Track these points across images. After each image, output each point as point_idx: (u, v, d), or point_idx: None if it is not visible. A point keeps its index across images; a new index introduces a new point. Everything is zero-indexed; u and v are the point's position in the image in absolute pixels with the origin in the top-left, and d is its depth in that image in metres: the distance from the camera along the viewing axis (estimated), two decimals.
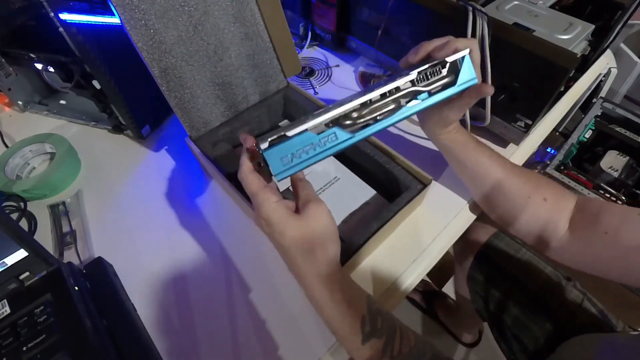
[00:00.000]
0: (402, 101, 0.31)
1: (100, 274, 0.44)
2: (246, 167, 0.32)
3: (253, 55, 0.53)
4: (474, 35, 0.47)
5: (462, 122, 0.56)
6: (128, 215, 0.53)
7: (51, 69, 0.59)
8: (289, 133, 0.28)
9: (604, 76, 0.86)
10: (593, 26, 0.51)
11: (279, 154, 0.29)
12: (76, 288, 0.40)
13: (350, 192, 0.49)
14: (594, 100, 0.86)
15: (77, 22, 0.46)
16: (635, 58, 1.14)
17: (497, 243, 0.65)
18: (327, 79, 0.74)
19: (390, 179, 0.48)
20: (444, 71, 0.32)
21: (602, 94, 0.91)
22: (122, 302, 0.41)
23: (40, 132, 0.60)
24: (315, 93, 0.72)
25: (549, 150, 0.87)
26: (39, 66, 0.59)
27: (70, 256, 0.48)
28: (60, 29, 0.46)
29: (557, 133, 1.05)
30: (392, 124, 0.31)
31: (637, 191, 0.74)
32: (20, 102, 0.67)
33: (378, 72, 0.73)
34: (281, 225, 0.30)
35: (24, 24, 0.57)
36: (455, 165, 0.48)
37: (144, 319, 0.42)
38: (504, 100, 0.53)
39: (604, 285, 0.67)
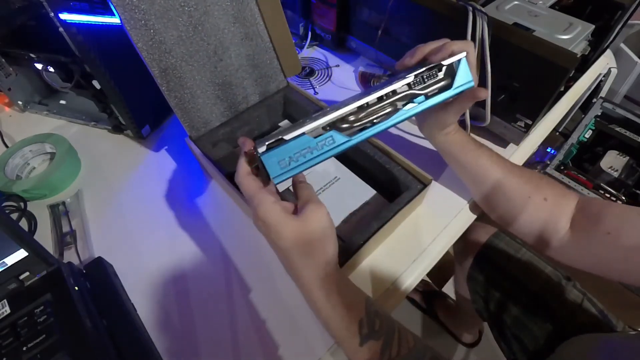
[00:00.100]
0: (399, 104, 0.32)
1: (100, 274, 0.44)
2: (243, 170, 0.32)
3: (253, 56, 0.53)
4: (474, 35, 0.47)
5: (462, 122, 0.57)
6: (128, 215, 0.53)
7: (51, 69, 0.59)
8: (286, 137, 0.29)
9: (604, 76, 0.86)
10: (593, 26, 0.52)
11: (276, 158, 0.29)
12: (76, 288, 0.40)
13: (350, 192, 0.49)
14: (594, 100, 0.86)
15: (77, 22, 0.46)
16: (635, 58, 1.14)
17: (497, 243, 0.65)
18: (327, 79, 0.74)
19: (390, 179, 0.48)
20: (441, 74, 0.32)
21: (602, 94, 0.91)
22: (122, 302, 0.41)
23: (40, 132, 0.60)
24: (315, 93, 0.72)
25: (549, 150, 0.87)
26: (39, 66, 0.59)
27: (70, 256, 0.48)
28: (60, 29, 0.46)
29: (557, 133, 1.05)
30: (389, 127, 0.32)
31: (637, 191, 0.74)
32: (20, 102, 0.67)
33: (378, 72, 0.73)
34: (278, 226, 0.30)
35: (24, 24, 0.57)
36: (454, 166, 0.48)
37: (144, 319, 0.42)
38: (504, 100, 0.53)
39: (604, 285, 0.67)
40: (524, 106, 0.51)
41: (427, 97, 0.32)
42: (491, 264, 0.65)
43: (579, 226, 0.40)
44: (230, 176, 0.47)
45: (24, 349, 0.35)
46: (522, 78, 0.49)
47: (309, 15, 0.77)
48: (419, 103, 0.32)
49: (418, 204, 0.50)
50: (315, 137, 0.29)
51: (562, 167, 0.78)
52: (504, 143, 0.59)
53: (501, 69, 0.48)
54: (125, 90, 0.55)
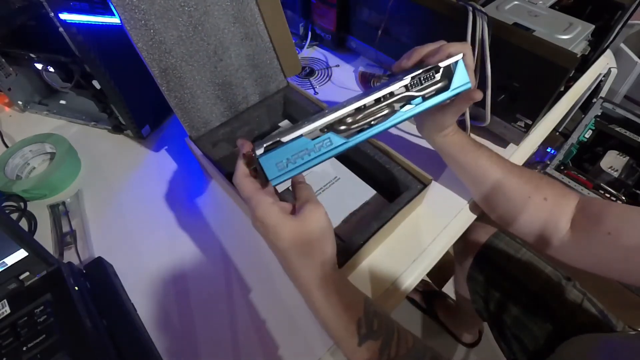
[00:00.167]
0: (396, 106, 0.32)
1: (100, 274, 0.44)
2: (241, 171, 0.33)
3: (253, 56, 0.53)
4: (474, 35, 0.47)
5: (462, 122, 0.57)
6: (128, 215, 0.53)
7: (51, 69, 0.59)
8: (284, 139, 0.29)
9: (604, 76, 0.86)
10: (593, 26, 0.51)
11: (274, 160, 0.29)
12: (76, 288, 0.40)
13: (350, 192, 0.49)
14: (594, 100, 0.86)
15: (77, 22, 0.46)
16: (635, 58, 1.14)
17: (497, 243, 0.65)
18: (327, 79, 0.74)
19: (390, 179, 0.48)
20: (438, 76, 0.33)
21: (602, 94, 0.91)
22: (122, 302, 0.41)
23: (40, 132, 0.60)
24: (315, 93, 0.72)
25: (549, 150, 0.87)
26: (39, 66, 0.59)
27: (70, 256, 0.48)
28: (60, 29, 0.46)
29: (557, 133, 1.05)
30: (387, 129, 0.32)
31: (637, 191, 0.74)
32: (20, 102, 0.67)
33: (378, 72, 0.73)
34: (277, 227, 0.30)
35: (24, 24, 0.57)
36: (454, 167, 0.48)
37: (144, 319, 0.42)
38: (504, 100, 0.53)
39: (604, 285, 0.67)
40: (524, 106, 0.51)
41: (424, 98, 0.33)
42: (491, 264, 0.65)
43: (580, 226, 0.40)
44: (230, 176, 0.47)
45: (24, 349, 0.35)
46: (522, 78, 0.49)
47: (309, 15, 0.77)
48: (416, 105, 0.32)
49: (418, 204, 0.50)
50: (312, 139, 0.30)
51: (562, 167, 0.78)
52: (504, 143, 0.59)
53: (501, 69, 0.48)
54: (125, 90, 0.55)
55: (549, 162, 0.80)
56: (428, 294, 1.13)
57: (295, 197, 0.33)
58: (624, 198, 0.72)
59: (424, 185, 0.46)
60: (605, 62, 0.80)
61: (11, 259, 0.38)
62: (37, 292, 0.40)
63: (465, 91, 0.34)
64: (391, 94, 0.31)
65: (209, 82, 0.50)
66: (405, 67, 0.36)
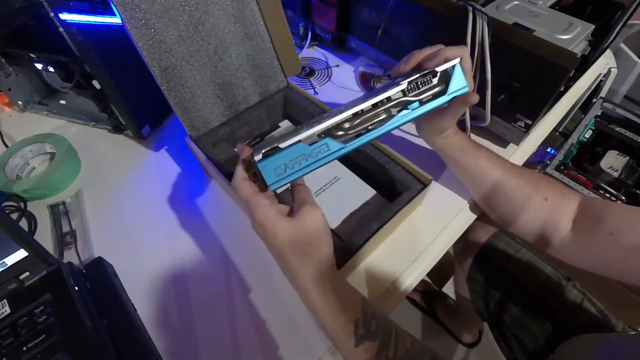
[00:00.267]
0: (394, 111, 0.32)
1: (100, 274, 0.44)
2: (239, 175, 0.33)
3: (253, 55, 0.53)
4: (474, 35, 0.47)
5: (462, 122, 0.57)
6: (128, 215, 0.53)
7: (51, 69, 0.59)
8: (282, 145, 0.30)
9: (604, 76, 0.86)
10: (593, 26, 0.52)
11: (272, 165, 0.30)
12: (76, 288, 0.40)
13: (350, 192, 0.49)
14: (594, 100, 0.86)
15: (77, 22, 0.46)
16: (635, 58, 1.14)
17: (497, 243, 0.65)
18: (327, 79, 0.74)
19: (390, 179, 0.48)
20: (435, 80, 0.33)
21: (602, 94, 0.91)
22: (122, 302, 0.41)
23: (40, 132, 0.60)
24: (315, 93, 0.72)
25: (549, 150, 0.87)
26: (39, 66, 0.59)
27: (70, 256, 0.48)
28: (60, 29, 0.46)
29: (557, 133, 1.05)
30: (384, 134, 0.32)
31: (637, 191, 0.74)
32: (20, 102, 0.67)
33: (378, 72, 0.73)
34: (274, 228, 0.30)
35: (24, 24, 0.57)
36: (454, 168, 0.48)
37: (144, 319, 0.42)
38: (504, 100, 0.53)
39: (604, 285, 0.67)
40: (524, 106, 0.51)
41: (422, 103, 0.33)
42: (491, 264, 0.65)
43: (580, 226, 0.40)
44: (230, 176, 0.47)
45: (24, 349, 0.35)
46: (522, 78, 0.49)
47: (309, 15, 0.77)
48: (414, 109, 0.32)
49: (418, 204, 0.50)
50: (310, 145, 0.30)
51: (562, 167, 0.78)
52: (504, 143, 0.59)
53: (501, 69, 0.48)
54: (125, 90, 0.55)
55: (549, 162, 0.80)
56: (428, 294, 1.13)
57: (293, 199, 0.34)
58: (624, 198, 0.72)
59: (424, 185, 0.46)
60: (605, 62, 0.80)
61: (11, 259, 0.38)
62: (37, 292, 0.40)
63: (461, 95, 0.34)
64: (388, 99, 0.32)
65: (209, 81, 0.50)
66: (403, 72, 0.36)
